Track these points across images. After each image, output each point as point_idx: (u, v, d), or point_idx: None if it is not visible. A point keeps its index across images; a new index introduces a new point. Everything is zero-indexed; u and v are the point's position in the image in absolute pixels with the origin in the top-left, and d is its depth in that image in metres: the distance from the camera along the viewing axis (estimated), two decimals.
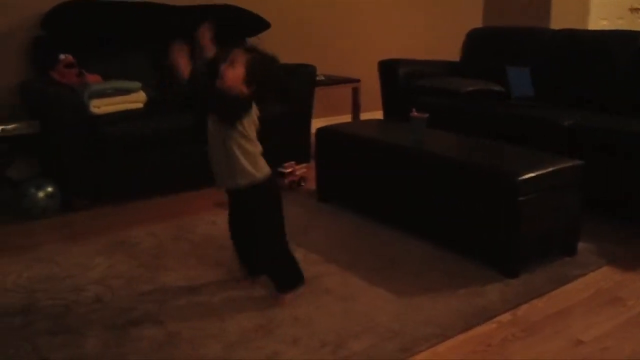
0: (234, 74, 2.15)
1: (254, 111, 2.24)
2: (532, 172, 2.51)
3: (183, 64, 2.15)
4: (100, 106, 3.33)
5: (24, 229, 3.09)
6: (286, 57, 4.63)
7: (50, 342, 2.05)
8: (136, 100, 3.50)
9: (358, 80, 4.83)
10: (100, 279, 2.51)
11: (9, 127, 3.22)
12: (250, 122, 2.21)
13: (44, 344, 2.04)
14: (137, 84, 3.51)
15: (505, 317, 2.24)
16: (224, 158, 2.19)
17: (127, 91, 3.46)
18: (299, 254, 2.74)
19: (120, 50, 3.85)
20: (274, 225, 2.30)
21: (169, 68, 2.22)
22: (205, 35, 2.32)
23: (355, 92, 4.88)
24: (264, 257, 2.34)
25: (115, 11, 3.81)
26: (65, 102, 3.19)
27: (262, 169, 2.23)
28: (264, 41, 4.53)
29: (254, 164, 2.20)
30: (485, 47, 4.60)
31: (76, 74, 3.45)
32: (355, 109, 4.92)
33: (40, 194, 3.19)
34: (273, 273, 2.36)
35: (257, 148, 2.23)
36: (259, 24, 4.36)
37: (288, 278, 2.36)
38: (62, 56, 3.47)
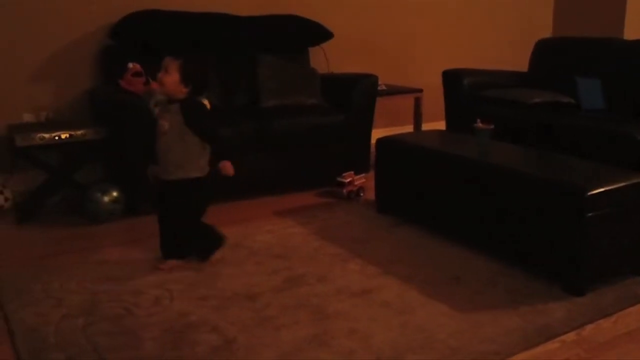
0: (171, 79, 2.58)
1: None
2: (601, 187, 2.41)
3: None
4: None
5: (89, 232, 3.18)
6: (348, 66, 4.67)
7: (110, 343, 2.09)
8: None
9: (421, 90, 4.78)
10: (160, 283, 2.55)
11: (78, 132, 3.32)
12: None
13: (103, 344, 2.08)
14: None
15: (570, 336, 2.15)
16: (180, 153, 2.61)
17: None
18: (356, 265, 2.72)
19: None
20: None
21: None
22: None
23: (418, 102, 4.82)
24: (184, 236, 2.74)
25: (181, 21, 3.90)
26: (132, 110, 3.27)
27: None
28: (327, 51, 4.55)
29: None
30: (554, 57, 4.47)
31: (143, 82, 3.53)
32: (417, 119, 4.86)
33: (106, 199, 3.27)
34: (194, 246, 2.77)
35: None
36: (322, 34, 4.38)
37: (206, 247, 2.76)
38: (130, 65, 3.57)
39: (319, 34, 4.37)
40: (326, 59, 4.57)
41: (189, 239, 2.76)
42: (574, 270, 2.44)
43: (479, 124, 3.00)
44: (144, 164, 2.79)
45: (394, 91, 4.69)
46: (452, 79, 4.38)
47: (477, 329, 2.18)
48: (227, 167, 2.64)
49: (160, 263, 2.72)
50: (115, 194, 3.30)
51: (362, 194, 3.76)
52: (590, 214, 2.36)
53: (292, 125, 3.72)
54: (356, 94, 4.02)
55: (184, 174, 2.63)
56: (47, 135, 3.24)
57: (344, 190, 3.69)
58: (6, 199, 3.49)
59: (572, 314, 2.29)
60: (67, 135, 3.29)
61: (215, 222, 3.23)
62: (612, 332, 2.19)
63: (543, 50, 4.59)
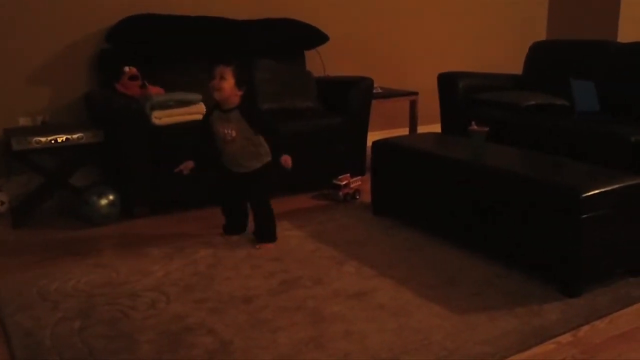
0: (228, 84, 2.79)
1: None
2: (596, 188, 2.42)
3: (187, 167, 2.98)
4: (161, 117, 3.40)
5: (85, 235, 3.18)
6: (344, 69, 4.69)
7: (106, 346, 2.09)
8: (196, 112, 3.55)
9: (416, 93, 4.79)
10: (157, 285, 2.55)
11: (74, 136, 3.32)
12: None
13: (100, 347, 2.08)
14: (198, 96, 3.57)
15: (565, 338, 2.16)
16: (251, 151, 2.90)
17: (187, 103, 3.53)
18: (352, 267, 2.72)
19: (182, 63, 3.94)
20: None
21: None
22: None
23: (413, 105, 4.83)
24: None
25: (177, 25, 3.90)
26: (128, 113, 3.28)
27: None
28: (323, 54, 4.56)
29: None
30: (548, 60, 4.49)
31: (139, 85, 3.54)
32: (413, 122, 4.87)
33: (102, 202, 3.28)
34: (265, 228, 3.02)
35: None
36: (318, 37, 4.39)
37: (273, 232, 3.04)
38: (126, 68, 3.57)
39: (315, 37, 4.38)
40: (322, 62, 4.58)
41: (270, 220, 3.02)
42: (569, 272, 2.45)
43: (474, 127, 3.01)
44: (144, 165, 2.84)
45: (390, 94, 4.70)
46: (447, 81, 4.40)
47: (473, 330, 2.18)
48: (288, 161, 2.84)
49: (222, 236, 3.09)
50: (111, 197, 3.30)
51: (358, 197, 3.77)
52: (585, 216, 2.37)
53: (288, 128, 3.72)
54: (352, 97, 4.03)
55: (258, 162, 2.93)
56: (43, 139, 3.24)
57: (340, 193, 3.70)
58: (2, 203, 3.50)
59: (568, 315, 2.29)
60: (64, 139, 3.29)
61: (213, 225, 3.25)
62: (607, 333, 2.19)
63: (537, 53, 4.61)
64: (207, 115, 2.99)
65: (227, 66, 2.80)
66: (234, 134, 2.85)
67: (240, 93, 2.84)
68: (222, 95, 2.81)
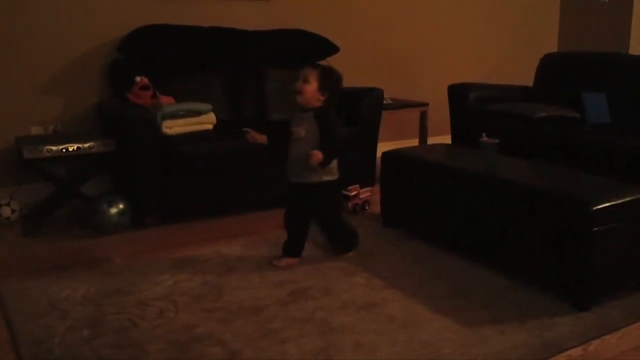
0: (311, 88, 2.75)
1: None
2: (607, 201, 2.40)
3: (259, 139, 2.91)
4: (172, 127, 3.42)
5: (95, 243, 3.19)
6: (354, 80, 4.67)
7: (115, 355, 2.09)
8: (207, 121, 3.58)
9: (426, 104, 4.79)
10: (166, 295, 2.55)
11: (86, 145, 3.34)
12: None
13: (108, 356, 2.08)
14: (208, 106, 3.59)
15: (576, 351, 2.13)
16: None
17: (198, 113, 3.54)
18: (362, 278, 2.71)
19: (193, 73, 3.96)
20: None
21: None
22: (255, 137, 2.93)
23: (423, 116, 4.84)
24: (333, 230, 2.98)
25: (188, 36, 3.93)
26: (140, 123, 3.30)
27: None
28: (333, 65, 4.56)
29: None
30: (559, 72, 4.48)
31: (150, 95, 3.56)
32: (423, 133, 4.87)
33: (112, 211, 3.29)
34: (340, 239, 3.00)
35: None
36: (328, 48, 4.40)
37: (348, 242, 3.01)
38: (137, 78, 3.59)
39: (326, 48, 4.39)
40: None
41: (343, 236, 2.99)
42: (580, 285, 2.43)
43: (485, 138, 3.00)
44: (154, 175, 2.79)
45: (400, 105, 4.70)
46: (457, 93, 4.39)
47: (483, 343, 2.17)
48: (318, 156, 2.69)
49: (276, 260, 2.90)
50: (121, 206, 3.31)
51: (367, 208, 3.76)
52: (596, 228, 2.35)
53: None
54: (362, 108, 4.03)
55: (318, 178, 2.81)
56: (54, 148, 3.26)
57: (350, 204, 3.69)
58: (13, 211, 3.51)
59: (579, 328, 2.27)
60: (75, 148, 3.31)
61: (223, 234, 3.25)
62: (619, 347, 2.17)
63: (549, 65, 4.60)
64: (291, 116, 2.94)
65: (313, 70, 2.79)
66: (302, 133, 2.78)
67: (322, 97, 2.78)
68: (302, 98, 2.78)
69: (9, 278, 2.73)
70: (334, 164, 2.84)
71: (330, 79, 2.81)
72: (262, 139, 2.90)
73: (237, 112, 4.00)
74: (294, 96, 2.80)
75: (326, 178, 2.83)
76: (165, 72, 3.85)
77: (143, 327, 2.28)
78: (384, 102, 4.30)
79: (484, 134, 3.02)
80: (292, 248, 2.93)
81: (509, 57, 5.73)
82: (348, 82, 4.69)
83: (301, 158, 2.76)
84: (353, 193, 3.71)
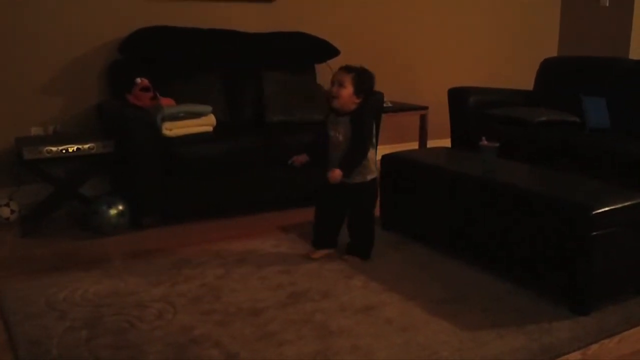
0: (346, 92, 2.74)
1: None
2: (607, 205, 2.40)
3: (303, 159, 2.97)
4: (172, 129, 3.41)
5: (93, 245, 3.19)
6: None
7: (113, 356, 2.09)
8: (206, 123, 3.57)
9: (426, 108, 4.79)
10: (164, 296, 2.55)
11: (85, 146, 3.33)
12: None
13: (106, 358, 2.07)
14: (208, 108, 3.59)
15: (574, 356, 2.13)
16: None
17: (198, 115, 3.54)
18: (360, 281, 2.71)
19: (193, 75, 3.95)
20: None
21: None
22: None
23: (423, 120, 4.84)
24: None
25: (188, 37, 3.93)
26: (140, 124, 3.29)
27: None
28: (333, 68, 4.56)
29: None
30: (559, 76, 4.48)
31: (151, 97, 3.55)
32: (423, 137, 4.87)
33: (111, 212, 3.28)
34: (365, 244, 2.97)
35: None
36: (329, 51, 4.39)
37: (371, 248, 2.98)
38: (138, 80, 3.59)
39: (326, 51, 4.39)
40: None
41: (370, 239, 2.97)
42: (579, 289, 2.43)
43: (485, 142, 3.00)
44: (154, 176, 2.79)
45: (400, 108, 4.70)
46: (457, 96, 4.39)
47: (481, 347, 2.16)
48: (335, 175, 2.75)
49: (312, 252, 2.97)
50: (120, 207, 3.31)
51: None
52: (595, 233, 2.35)
53: (298, 141, 3.72)
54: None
55: (361, 178, 2.85)
56: (54, 149, 3.26)
57: None
58: (12, 212, 3.51)
59: (578, 333, 2.27)
60: (75, 149, 3.31)
61: (222, 236, 3.25)
62: (617, 352, 2.17)
63: (549, 69, 4.61)
64: (326, 117, 2.96)
65: (347, 73, 2.76)
66: (340, 138, 2.80)
67: (358, 100, 2.78)
68: (339, 102, 2.77)
69: (7, 278, 2.73)
70: (373, 161, 2.86)
71: (365, 82, 2.79)
72: (304, 158, 2.96)
73: (237, 114, 4.00)
74: (330, 100, 2.80)
75: (369, 177, 2.87)
76: (166, 73, 3.84)
77: (141, 329, 2.28)
78: (384, 105, 4.30)
79: (483, 138, 3.02)
80: (327, 239, 3.00)
81: (509, 61, 5.73)
82: None
83: None
84: None
